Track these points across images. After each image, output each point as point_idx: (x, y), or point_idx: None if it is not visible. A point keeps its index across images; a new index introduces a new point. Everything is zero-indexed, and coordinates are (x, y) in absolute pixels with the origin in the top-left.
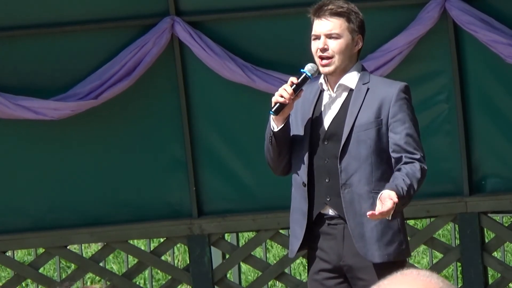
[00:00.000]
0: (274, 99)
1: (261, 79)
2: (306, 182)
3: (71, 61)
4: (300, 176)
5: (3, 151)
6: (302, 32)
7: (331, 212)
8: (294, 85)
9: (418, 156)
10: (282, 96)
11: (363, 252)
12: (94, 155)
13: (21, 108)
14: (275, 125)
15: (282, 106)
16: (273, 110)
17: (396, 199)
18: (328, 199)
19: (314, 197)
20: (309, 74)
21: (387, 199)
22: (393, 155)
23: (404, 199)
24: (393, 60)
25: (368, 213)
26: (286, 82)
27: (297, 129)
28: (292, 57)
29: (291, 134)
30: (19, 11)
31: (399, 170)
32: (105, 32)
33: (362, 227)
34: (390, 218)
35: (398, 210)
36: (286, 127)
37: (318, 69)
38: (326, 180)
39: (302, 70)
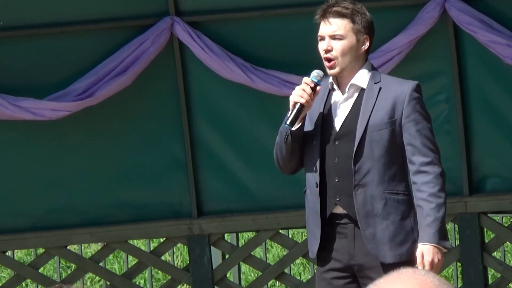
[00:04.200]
0: (293, 99)
1: (260, 79)
2: (318, 182)
3: (70, 61)
4: (313, 176)
5: (3, 151)
6: (301, 32)
7: (341, 211)
8: (311, 86)
9: (430, 159)
10: (302, 97)
11: (375, 253)
12: (94, 155)
13: (20, 109)
14: None
15: (300, 110)
16: (288, 122)
17: (421, 264)
18: (338, 199)
19: (326, 197)
20: (316, 81)
21: (427, 264)
22: (408, 155)
23: (441, 227)
24: (392, 60)
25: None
26: (286, 82)
27: (306, 127)
28: (291, 57)
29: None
30: (19, 11)
31: (416, 184)
32: (105, 32)
33: (373, 228)
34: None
35: (445, 234)
36: (303, 126)
37: (324, 74)
38: (336, 180)
39: (310, 77)
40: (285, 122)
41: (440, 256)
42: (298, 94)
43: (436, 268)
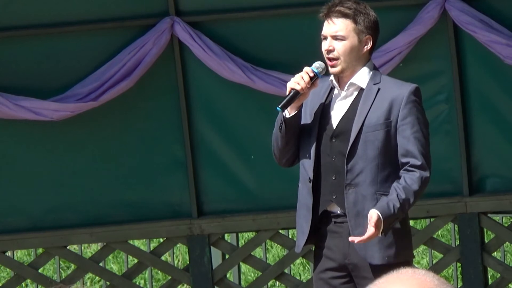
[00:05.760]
0: (289, 85)
1: (260, 79)
2: (311, 178)
3: (70, 61)
4: (307, 171)
5: (3, 151)
6: (301, 32)
7: (337, 210)
8: (310, 75)
9: (419, 163)
10: (298, 84)
11: (363, 253)
12: (94, 155)
13: (21, 109)
14: (287, 112)
15: (294, 96)
16: (280, 106)
17: (374, 223)
18: (334, 197)
19: (320, 193)
20: (316, 71)
21: (370, 226)
22: (401, 159)
23: (394, 216)
24: (392, 60)
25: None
26: (286, 82)
27: (305, 123)
28: (291, 57)
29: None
30: (19, 11)
31: (398, 181)
32: (105, 32)
33: (363, 228)
34: (382, 235)
35: (388, 226)
36: (298, 115)
37: (326, 67)
38: (333, 178)
39: (311, 67)
40: (278, 105)
41: (378, 232)
42: (295, 81)
43: (372, 235)
